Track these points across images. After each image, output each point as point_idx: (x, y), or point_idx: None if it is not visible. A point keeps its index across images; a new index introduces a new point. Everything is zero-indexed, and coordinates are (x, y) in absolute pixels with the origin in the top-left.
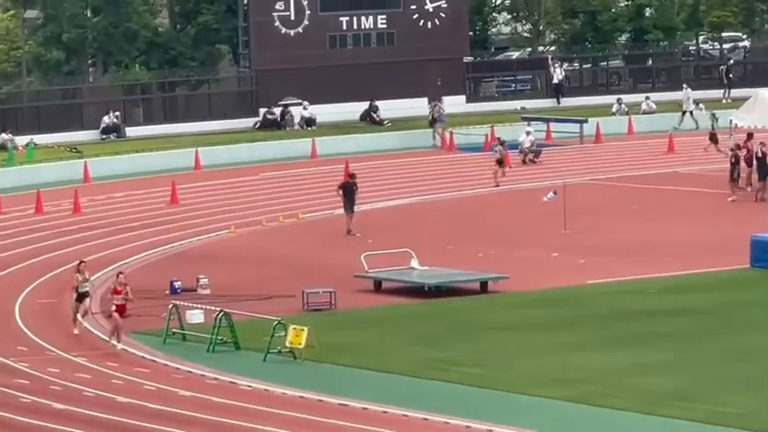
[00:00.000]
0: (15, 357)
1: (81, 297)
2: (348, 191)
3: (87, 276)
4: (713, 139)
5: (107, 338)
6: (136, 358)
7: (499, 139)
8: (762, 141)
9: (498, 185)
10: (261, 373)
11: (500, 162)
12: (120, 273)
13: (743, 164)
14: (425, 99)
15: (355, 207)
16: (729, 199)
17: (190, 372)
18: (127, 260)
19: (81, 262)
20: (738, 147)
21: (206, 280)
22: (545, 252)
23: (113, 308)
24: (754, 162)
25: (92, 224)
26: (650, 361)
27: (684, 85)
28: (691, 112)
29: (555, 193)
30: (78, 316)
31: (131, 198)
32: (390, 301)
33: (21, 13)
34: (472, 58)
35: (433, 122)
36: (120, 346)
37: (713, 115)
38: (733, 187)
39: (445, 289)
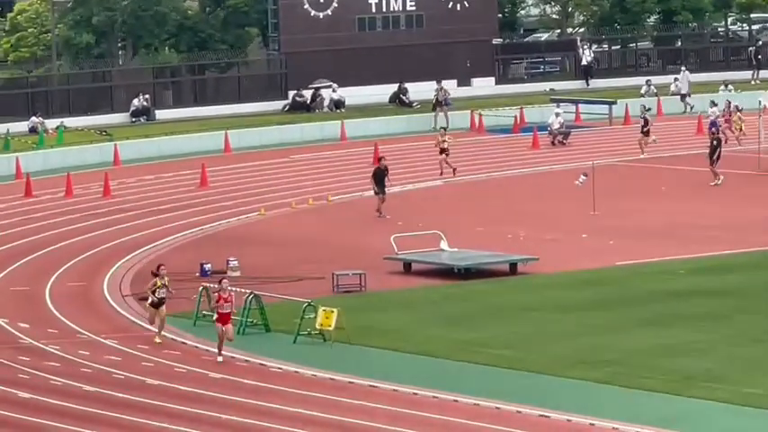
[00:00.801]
0: (46, 340)
1: (157, 304)
2: (379, 176)
3: (166, 282)
4: (646, 133)
5: (217, 352)
6: (166, 341)
7: (443, 129)
8: None
9: (442, 174)
10: (291, 355)
11: (443, 150)
12: (224, 278)
13: None
14: (455, 81)
15: (386, 189)
16: (712, 183)
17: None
18: (157, 242)
19: (160, 266)
20: (718, 131)
21: (236, 262)
22: (574, 234)
23: (215, 317)
24: None
25: (122, 207)
26: (679, 342)
27: (683, 68)
28: (683, 96)
29: (585, 175)
30: (156, 329)
31: (161, 181)
32: (420, 282)
33: None
34: (501, 40)
35: (437, 106)
36: (220, 358)
37: (644, 107)
38: (713, 171)
39: (475, 271)
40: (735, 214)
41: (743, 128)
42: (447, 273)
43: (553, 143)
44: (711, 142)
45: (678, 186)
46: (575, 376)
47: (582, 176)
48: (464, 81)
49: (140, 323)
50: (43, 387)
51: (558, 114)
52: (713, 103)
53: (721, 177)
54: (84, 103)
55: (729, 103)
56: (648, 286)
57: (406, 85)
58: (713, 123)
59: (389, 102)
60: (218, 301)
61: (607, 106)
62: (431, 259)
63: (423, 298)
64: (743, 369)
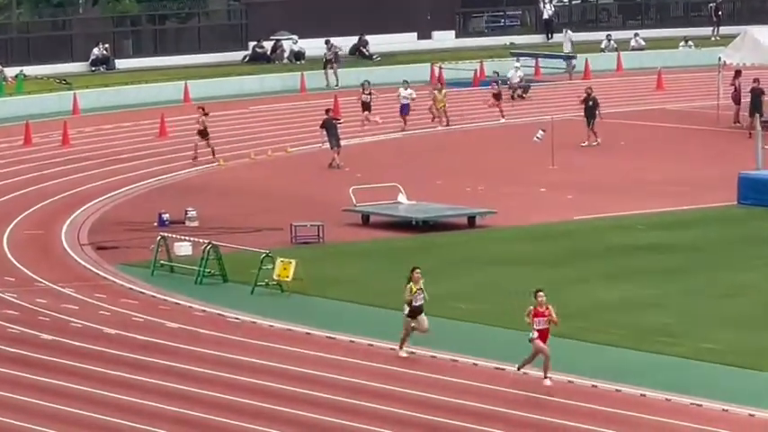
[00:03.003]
0: (3, 288)
1: (414, 312)
2: (329, 127)
3: (422, 285)
4: (497, 96)
5: (544, 380)
6: (123, 290)
7: (202, 108)
8: (755, 78)
9: (196, 159)
10: (248, 305)
11: (203, 133)
12: (540, 290)
13: (731, 101)
14: (415, 34)
15: (341, 141)
16: (584, 144)
17: (177, 303)
18: (115, 192)
19: (414, 269)
20: (592, 89)
21: (194, 212)
22: (533, 187)
23: (535, 334)
24: (743, 99)
25: (80, 156)
26: (637, 296)
27: (565, 30)
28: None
29: (543, 131)
30: (407, 339)
31: (120, 130)
32: (378, 235)
33: None
34: None
35: (327, 64)
36: (547, 382)
37: (496, 73)
38: (589, 132)
39: (433, 223)
40: (694, 170)
41: (442, 108)
42: (405, 225)
43: (513, 97)
44: (587, 103)
45: (637, 141)
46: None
47: (540, 132)
48: (425, 34)
49: (97, 272)
50: (0, 335)
51: (517, 68)
52: (406, 84)
53: (598, 140)
54: (44, 51)
55: (440, 82)
56: (607, 241)
57: (367, 37)
58: (404, 107)
59: (350, 54)
60: (539, 316)
61: (567, 61)
62: (389, 212)
63: (380, 250)
64: (701, 324)
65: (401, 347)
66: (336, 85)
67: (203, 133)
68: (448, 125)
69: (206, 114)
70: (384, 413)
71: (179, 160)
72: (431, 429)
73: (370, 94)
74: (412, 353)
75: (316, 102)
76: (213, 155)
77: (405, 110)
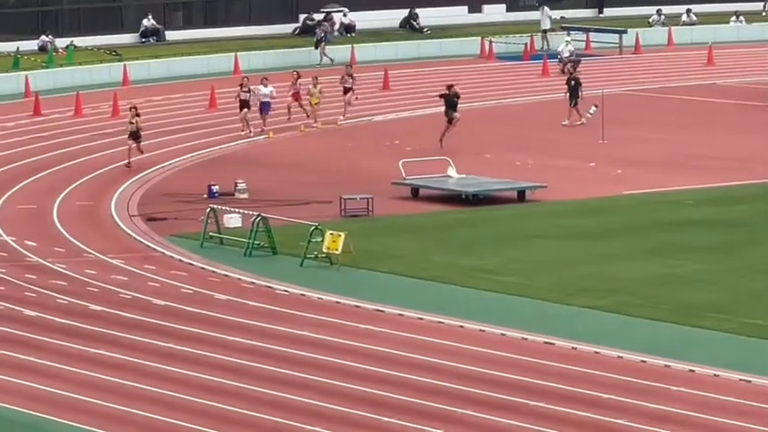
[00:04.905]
0: (53, 258)
1: None
2: (449, 103)
3: None
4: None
5: None
6: (173, 261)
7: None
8: None
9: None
10: (297, 277)
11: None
12: None
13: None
14: (465, 7)
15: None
16: (570, 122)
17: (226, 275)
18: (165, 163)
19: None
20: (575, 68)
21: (244, 184)
22: (582, 162)
23: None
24: None
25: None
26: (686, 272)
27: (542, 7)
28: (545, 32)
29: (596, 106)
30: None
31: (170, 102)
32: (427, 208)
33: None
34: None
35: (318, 43)
36: None
37: (349, 65)
38: (571, 112)
39: (482, 197)
40: (744, 145)
41: (317, 104)
42: (454, 199)
43: (563, 71)
44: (569, 83)
45: (687, 117)
46: (580, 304)
47: (592, 107)
48: (475, 8)
49: (147, 243)
50: (49, 305)
51: (568, 42)
52: (266, 81)
53: (583, 120)
54: (94, 22)
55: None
56: (656, 216)
57: (417, 10)
58: (264, 105)
59: (400, 27)
60: None
61: (617, 35)
62: (439, 185)
63: (430, 223)
64: (748, 300)
65: None
66: (319, 64)
67: (135, 135)
68: (315, 122)
69: (138, 115)
70: (434, 387)
71: (229, 132)
72: (482, 404)
73: (248, 91)
74: None
75: (366, 75)
76: (140, 152)
77: (265, 109)
